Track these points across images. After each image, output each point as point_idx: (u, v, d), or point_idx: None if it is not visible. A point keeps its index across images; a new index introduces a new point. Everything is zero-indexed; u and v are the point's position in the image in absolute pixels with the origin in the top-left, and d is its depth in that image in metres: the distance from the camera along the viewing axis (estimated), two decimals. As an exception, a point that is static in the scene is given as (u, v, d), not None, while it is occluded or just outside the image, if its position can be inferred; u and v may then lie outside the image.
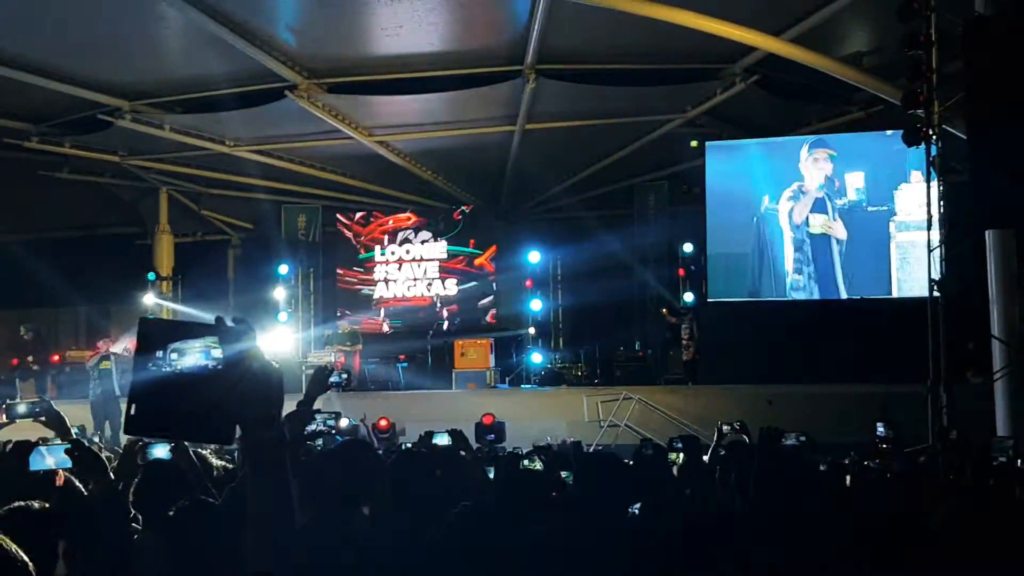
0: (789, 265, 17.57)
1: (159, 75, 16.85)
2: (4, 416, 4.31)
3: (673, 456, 6.77)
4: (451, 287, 22.06)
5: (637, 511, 4.73)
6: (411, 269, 22.23)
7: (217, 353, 1.91)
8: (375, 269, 22.35)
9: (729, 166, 18.03)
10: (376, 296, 22.29)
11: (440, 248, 22.15)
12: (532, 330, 21.29)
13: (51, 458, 3.81)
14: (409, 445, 10.73)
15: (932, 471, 8.29)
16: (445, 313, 21.99)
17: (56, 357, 21.36)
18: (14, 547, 2.35)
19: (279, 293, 22.18)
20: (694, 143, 18.32)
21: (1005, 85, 10.36)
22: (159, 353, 1.92)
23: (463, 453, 6.75)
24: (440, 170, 21.20)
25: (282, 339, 21.11)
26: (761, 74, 16.09)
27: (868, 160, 17.15)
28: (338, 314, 21.66)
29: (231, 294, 24.53)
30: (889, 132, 15.87)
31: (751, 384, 16.15)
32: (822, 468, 6.75)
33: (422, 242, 22.20)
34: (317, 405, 5.16)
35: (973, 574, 3.84)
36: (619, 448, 12.73)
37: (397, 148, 19.79)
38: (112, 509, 3.72)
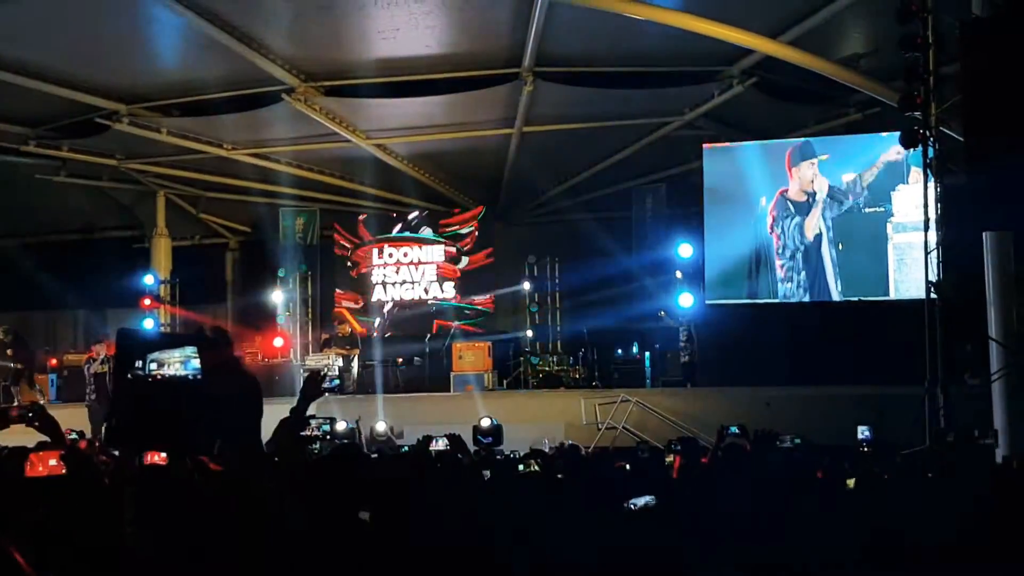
0: (778, 272, 17.54)
1: (156, 79, 16.86)
2: None
3: (669, 459, 6.77)
4: (449, 290, 22.04)
5: (635, 507, 4.73)
6: (408, 272, 22.22)
7: (196, 363, 1.91)
8: (372, 272, 22.33)
9: (726, 168, 18.01)
10: (374, 299, 22.27)
11: (438, 251, 22.13)
12: (530, 332, 21.28)
13: (44, 465, 3.80)
14: (407, 448, 10.75)
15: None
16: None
17: (54, 361, 21.34)
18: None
19: (277, 296, 22.17)
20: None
21: (1002, 87, 10.36)
22: (138, 363, 1.92)
23: (460, 456, 6.75)
24: (438, 173, 21.19)
25: (280, 342, 21.09)
26: (759, 76, 16.11)
27: (863, 162, 17.12)
28: (334, 321, 21.62)
29: (229, 297, 24.53)
30: (884, 134, 15.96)
31: (749, 386, 16.13)
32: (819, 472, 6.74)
33: (420, 244, 22.19)
34: (313, 410, 5.15)
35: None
36: (617, 451, 12.74)
37: (394, 151, 19.79)
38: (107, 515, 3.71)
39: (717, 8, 13.21)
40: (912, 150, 11.88)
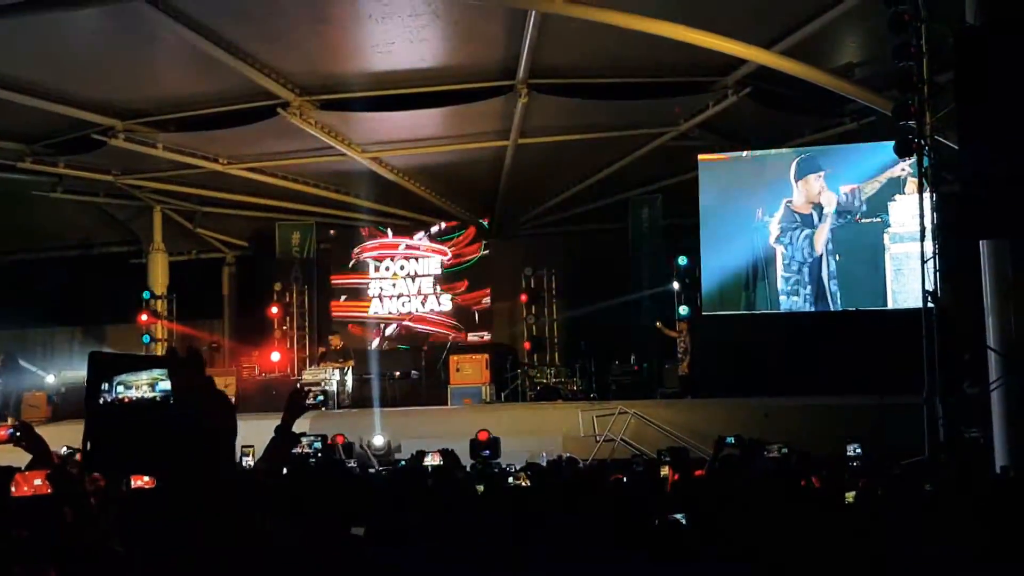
0: (782, 284, 17.47)
1: (152, 94, 16.87)
2: None
3: (664, 471, 6.74)
4: (446, 303, 22.01)
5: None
6: (405, 285, 22.18)
7: (165, 385, 1.88)
8: (369, 285, 22.30)
9: (722, 179, 18.01)
10: (371, 312, 22.23)
11: (435, 264, 22.10)
12: (527, 345, 21.25)
13: (29, 485, 3.77)
14: (404, 462, 10.72)
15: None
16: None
17: (51, 378, 21.32)
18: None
19: (273, 311, 22.11)
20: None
21: (996, 95, 10.36)
22: (104, 385, 1.89)
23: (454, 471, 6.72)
24: (433, 186, 21.17)
25: (277, 356, 21.04)
26: (753, 86, 16.10)
27: (861, 172, 17.12)
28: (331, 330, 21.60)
29: (226, 312, 24.47)
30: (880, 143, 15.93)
31: (748, 397, 16.10)
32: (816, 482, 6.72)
33: (416, 258, 22.16)
34: (306, 427, 5.12)
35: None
36: (614, 463, 12.70)
37: (390, 164, 19.77)
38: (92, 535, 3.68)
39: (711, 19, 13.22)
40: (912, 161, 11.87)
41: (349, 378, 19.44)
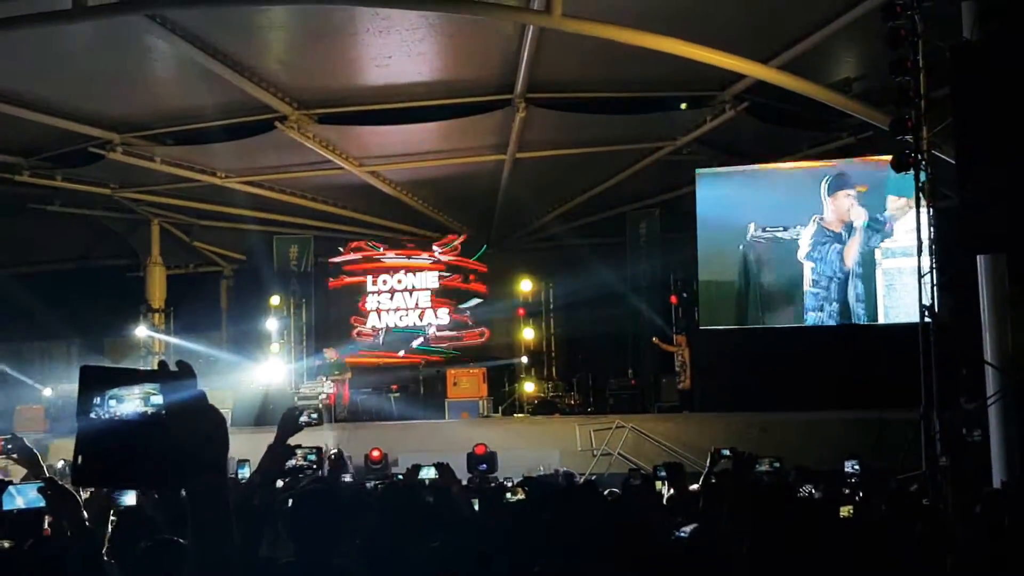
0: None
1: (150, 107, 16.89)
2: None
3: (659, 485, 6.72)
4: (443, 316, 21.98)
5: (684, 534, 4.68)
6: (403, 299, 22.14)
7: (157, 399, 1.87)
8: (367, 299, 22.27)
9: (719, 193, 18.00)
10: (368, 326, 22.19)
11: (432, 278, 22.08)
12: (525, 359, 21.23)
13: (22, 497, 3.75)
14: (400, 476, 10.69)
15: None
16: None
17: (48, 391, 21.28)
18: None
19: (271, 324, 22.07)
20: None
21: (993, 110, 10.36)
22: (96, 400, 1.87)
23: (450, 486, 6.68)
24: (431, 199, 21.19)
25: (274, 370, 21.00)
26: (751, 101, 16.13)
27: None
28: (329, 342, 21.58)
29: (223, 325, 24.45)
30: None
31: (745, 412, 16.08)
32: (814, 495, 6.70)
33: (414, 271, 22.13)
34: (301, 439, 5.10)
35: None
36: (611, 477, 12.69)
37: (388, 178, 19.79)
38: (85, 549, 3.66)
39: (709, 34, 13.23)
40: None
41: (347, 391, 19.43)
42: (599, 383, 19.84)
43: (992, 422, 10.94)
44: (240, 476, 8.64)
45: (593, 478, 13.44)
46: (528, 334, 21.47)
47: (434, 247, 22.07)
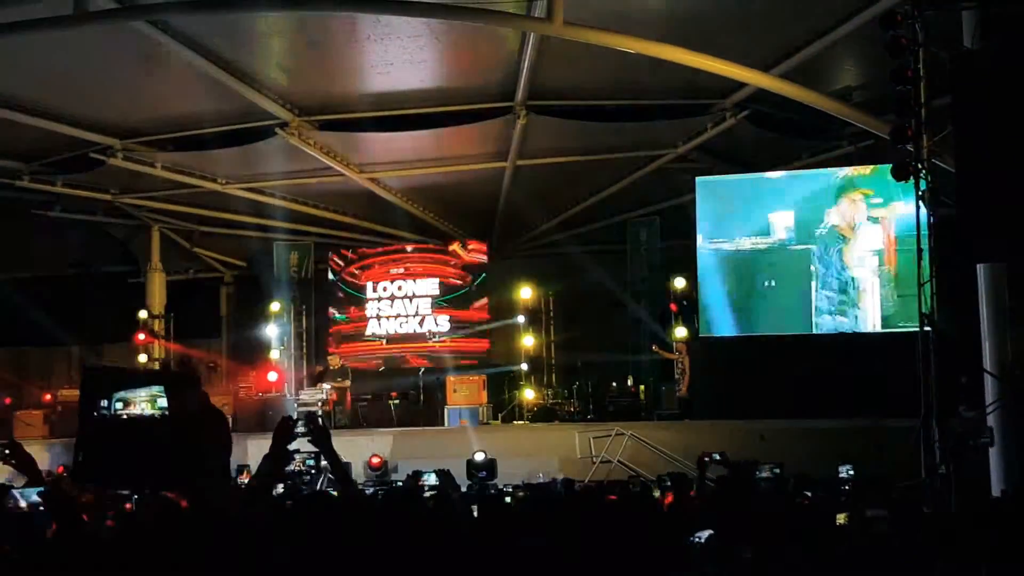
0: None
1: (150, 113, 16.91)
2: None
3: (656, 493, 6.71)
4: (443, 323, 21.97)
5: (699, 539, 4.67)
6: (403, 306, 22.13)
7: (163, 402, 1.88)
8: (367, 306, 22.27)
9: (720, 201, 17.99)
10: (368, 333, 22.18)
11: (432, 284, 22.06)
12: (524, 366, 21.21)
13: (23, 502, 3.76)
14: (400, 483, 10.69)
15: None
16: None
17: (48, 396, 21.30)
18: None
19: (271, 331, 22.05)
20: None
21: (993, 119, 10.37)
22: (103, 402, 1.88)
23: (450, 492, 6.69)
24: (432, 206, 21.20)
25: (274, 376, 20.98)
26: (751, 109, 16.15)
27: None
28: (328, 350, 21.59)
29: (224, 332, 24.45)
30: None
31: (745, 419, 16.05)
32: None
33: (414, 278, 22.12)
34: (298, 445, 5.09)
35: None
36: (611, 484, 12.65)
37: (388, 185, 19.81)
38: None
39: (710, 42, 13.25)
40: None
41: (348, 398, 19.44)
42: (599, 390, 19.81)
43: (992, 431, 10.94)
44: (239, 482, 8.65)
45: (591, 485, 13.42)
46: (528, 341, 21.45)
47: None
